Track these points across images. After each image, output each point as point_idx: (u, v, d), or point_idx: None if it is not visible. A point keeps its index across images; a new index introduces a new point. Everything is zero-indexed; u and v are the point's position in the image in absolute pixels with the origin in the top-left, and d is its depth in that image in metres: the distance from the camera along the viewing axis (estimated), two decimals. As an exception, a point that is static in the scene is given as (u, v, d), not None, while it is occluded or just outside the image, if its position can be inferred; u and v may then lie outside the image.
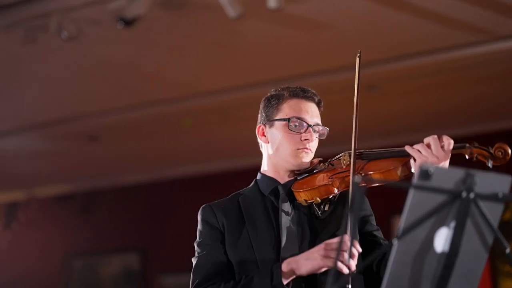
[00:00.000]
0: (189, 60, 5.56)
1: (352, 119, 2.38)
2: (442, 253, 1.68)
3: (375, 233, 2.45)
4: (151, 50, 5.42)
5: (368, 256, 2.32)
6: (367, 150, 2.44)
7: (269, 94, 2.58)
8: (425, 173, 1.60)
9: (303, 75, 5.73)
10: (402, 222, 1.64)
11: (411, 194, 1.63)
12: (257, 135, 2.57)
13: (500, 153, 2.18)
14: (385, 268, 2.15)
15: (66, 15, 4.85)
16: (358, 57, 2.50)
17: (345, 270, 2.12)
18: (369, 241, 2.42)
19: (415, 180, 1.63)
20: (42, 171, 7.87)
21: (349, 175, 2.31)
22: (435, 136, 2.26)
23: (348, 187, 2.33)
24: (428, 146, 2.25)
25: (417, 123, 6.51)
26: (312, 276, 2.27)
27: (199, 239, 2.47)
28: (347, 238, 2.12)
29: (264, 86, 5.78)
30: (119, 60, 5.56)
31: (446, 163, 2.24)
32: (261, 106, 2.57)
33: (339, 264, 2.11)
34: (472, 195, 1.65)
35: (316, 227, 2.39)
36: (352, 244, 2.16)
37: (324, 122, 2.51)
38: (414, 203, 1.63)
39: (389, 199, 4.45)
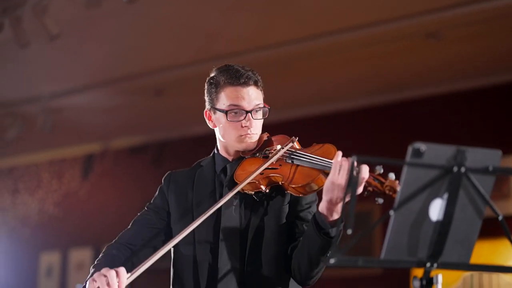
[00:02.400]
0: (250, 15, 5.74)
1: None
2: (437, 222, 1.85)
3: (301, 214, 2.58)
4: (212, 7, 5.64)
5: (289, 241, 2.54)
6: (297, 153, 2.53)
7: (210, 76, 2.67)
8: (417, 152, 1.77)
9: (360, 26, 5.81)
10: (397, 195, 1.82)
11: (405, 170, 1.80)
12: (205, 118, 2.69)
13: (389, 191, 2.22)
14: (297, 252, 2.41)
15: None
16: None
17: None
18: (293, 223, 2.57)
19: (407, 158, 1.80)
20: (115, 124, 8.20)
21: (275, 175, 2.49)
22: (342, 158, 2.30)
23: (272, 184, 2.51)
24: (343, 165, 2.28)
25: (478, 69, 6.52)
26: None
27: (150, 203, 2.72)
28: (121, 271, 2.33)
29: (325, 38, 5.97)
30: (182, 19, 5.79)
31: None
32: (205, 87, 2.68)
33: None
34: (463, 170, 1.81)
35: (254, 209, 2.56)
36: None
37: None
38: (408, 179, 1.80)
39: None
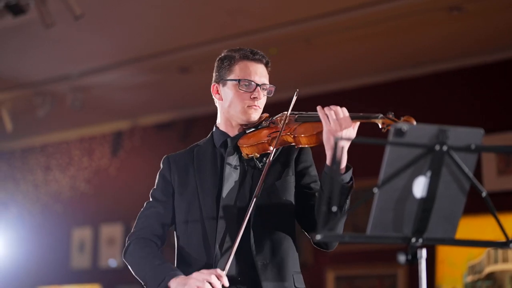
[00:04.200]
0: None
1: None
2: (421, 199, 1.91)
3: (312, 185, 2.72)
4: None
5: (303, 208, 2.66)
6: (301, 113, 2.70)
7: (222, 55, 2.86)
8: (399, 131, 1.83)
9: (380, 1, 5.82)
10: (381, 174, 1.89)
11: (387, 150, 1.87)
12: (211, 93, 2.86)
13: None
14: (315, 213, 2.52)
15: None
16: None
17: None
18: (305, 193, 2.70)
19: (390, 137, 1.86)
20: (142, 101, 8.29)
21: (283, 135, 2.62)
22: (333, 108, 2.50)
23: (281, 145, 2.65)
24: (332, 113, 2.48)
25: (500, 43, 6.49)
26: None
27: (154, 189, 2.86)
28: (219, 271, 2.46)
29: (347, 13, 5.98)
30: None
31: (349, 130, 2.47)
32: (215, 66, 2.87)
33: None
34: (445, 148, 1.87)
35: (255, 177, 2.67)
36: (217, 276, 2.46)
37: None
38: (391, 158, 1.87)
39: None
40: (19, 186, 9.65)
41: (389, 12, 5.88)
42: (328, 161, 2.51)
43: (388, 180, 1.86)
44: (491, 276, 6.18)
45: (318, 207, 2.59)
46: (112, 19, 6.29)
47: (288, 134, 2.63)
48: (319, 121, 2.55)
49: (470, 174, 1.90)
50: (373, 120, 2.47)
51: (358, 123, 2.53)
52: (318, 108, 2.52)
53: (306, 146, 2.63)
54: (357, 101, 7.25)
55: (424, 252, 1.95)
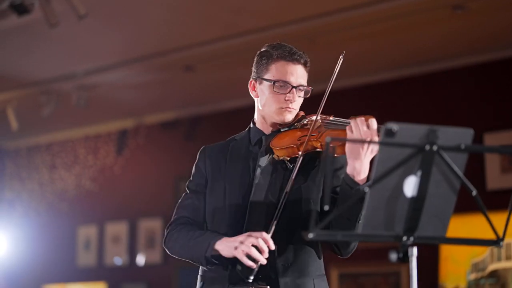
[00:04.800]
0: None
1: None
2: (412, 198, 1.94)
3: (337, 189, 2.67)
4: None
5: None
6: (330, 119, 2.70)
7: (261, 50, 2.82)
8: (389, 132, 1.86)
9: (383, -1, 5.84)
10: (372, 173, 1.91)
11: (379, 149, 1.89)
12: (248, 88, 2.84)
13: None
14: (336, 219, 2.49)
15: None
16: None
17: (249, 264, 2.46)
18: (331, 197, 2.66)
19: (380, 137, 1.88)
20: (147, 100, 8.32)
21: (312, 140, 2.61)
22: (361, 119, 2.49)
23: (308, 150, 2.64)
24: (359, 124, 2.48)
25: (503, 41, 6.50)
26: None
27: (190, 180, 2.86)
28: (264, 235, 2.46)
29: (350, 11, 5.99)
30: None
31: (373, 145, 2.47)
32: (254, 60, 2.83)
33: (245, 259, 2.45)
34: (435, 148, 1.89)
35: (285, 178, 2.67)
36: (263, 239, 2.47)
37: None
38: (382, 157, 1.89)
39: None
40: (25, 185, 9.71)
41: (393, 11, 5.89)
42: (349, 170, 2.52)
43: (379, 180, 1.89)
44: (494, 273, 6.19)
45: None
46: (117, 18, 6.32)
47: (316, 140, 2.63)
48: (343, 129, 2.58)
49: (460, 173, 1.93)
50: None
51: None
52: (352, 120, 2.51)
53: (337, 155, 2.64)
54: (361, 100, 7.28)
55: (415, 250, 1.97)
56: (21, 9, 5.66)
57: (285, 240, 2.64)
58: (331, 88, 2.63)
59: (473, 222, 5.20)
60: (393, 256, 1.96)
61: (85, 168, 9.28)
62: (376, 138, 2.43)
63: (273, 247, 2.50)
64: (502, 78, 6.62)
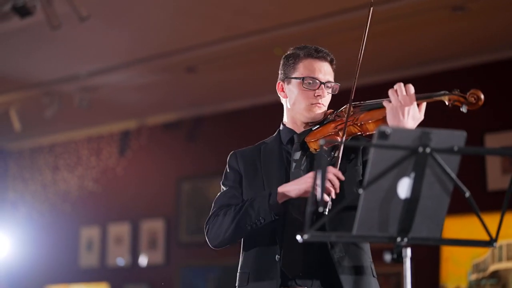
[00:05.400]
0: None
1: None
2: (405, 199, 1.96)
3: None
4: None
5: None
6: (362, 102, 2.74)
7: (287, 53, 2.86)
8: (382, 134, 1.88)
9: (384, 1, 5.84)
10: (366, 175, 1.93)
11: (372, 151, 1.92)
12: (277, 91, 2.88)
13: (473, 99, 2.40)
14: None
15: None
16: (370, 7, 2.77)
17: (319, 196, 2.34)
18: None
19: (374, 139, 1.91)
20: (149, 101, 8.34)
21: (349, 125, 2.63)
22: (400, 83, 2.53)
23: (348, 136, 2.65)
24: (398, 90, 2.52)
25: (503, 42, 6.51)
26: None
27: (224, 179, 2.87)
28: (331, 168, 2.46)
29: (350, 12, 6.01)
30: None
31: (412, 107, 2.51)
32: (280, 64, 2.87)
33: (318, 190, 2.31)
34: (428, 150, 1.91)
35: None
36: (334, 173, 2.47)
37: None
38: (375, 159, 1.92)
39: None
40: (27, 186, 9.73)
41: (393, 12, 5.91)
42: None
43: (373, 181, 1.91)
44: (495, 274, 6.19)
45: None
46: (119, 20, 6.35)
47: (354, 124, 2.65)
48: (383, 107, 2.58)
49: (453, 175, 1.95)
50: (438, 98, 2.57)
51: (424, 104, 2.59)
52: (390, 90, 2.54)
53: (374, 132, 2.63)
54: (361, 101, 7.28)
55: (409, 251, 1.99)
56: (23, 11, 5.69)
57: (334, 231, 2.61)
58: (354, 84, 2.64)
59: (473, 223, 5.20)
60: (388, 257, 1.98)
61: (88, 169, 9.30)
62: (415, 103, 2.49)
63: (343, 178, 2.51)
64: (503, 78, 6.63)
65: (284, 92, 2.86)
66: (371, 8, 2.77)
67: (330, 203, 2.47)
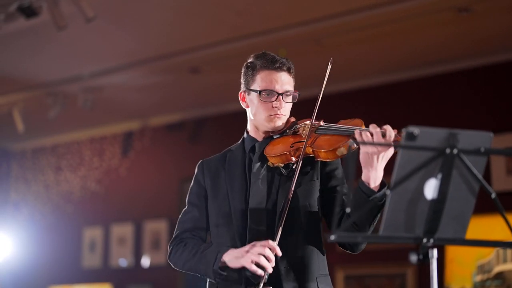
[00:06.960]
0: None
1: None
2: (432, 200, 1.96)
3: (338, 188, 2.78)
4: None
5: (330, 210, 2.74)
6: (321, 124, 2.76)
7: (247, 62, 2.90)
8: (410, 135, 1.88)
9: (390, 2, 5.85)
10: (393, 176, 1.93)
11: (400, 153, 1.92)
12: (239, 100, 2.92)
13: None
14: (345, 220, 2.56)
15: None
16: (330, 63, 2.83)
17: (259, 272, 2.54)
18: (332, 196, 2.76)
19: (402, 141, 1.91)
20: (153, 102, 8.34)
21: (306, 146, 2.68)
22: (377, 129, 2.50)
23: (304, 155, 2.69)
24: (372, 135, 2.51)
25: (509, 43, 6.52)
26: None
27: (189, 195, 2.95)
28: (268, 243, 2.54)
29: (356, 13, 6.01)
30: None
31: (387, 153, 2.51)
32: (242, 73, 2.91)
33: (253, 267, 2.53)
34: (455, 151, 1.92)
35: (280, 183, 2.76)
36: (270, 247, 2.56)
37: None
38: (403, 160, 1.92)
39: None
40: (30, 187, 9.73)
41: (398, 13, 5.92)
42: (364, 178, 2.55)
43: (400, 182, 1.91)
44: (500, 275, 6.20)
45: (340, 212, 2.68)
46: (123, 21, 6.34)
47: (311, 145, 2.69)
48: (340, 134, 2.62)
49: (480, 177, 1.95)
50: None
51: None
52: (356, 132, 2.55)
53: (325, 160, 2.69)
54: (366, 101, 7.30)
55: (435, 252, 2.00)
56: (29, 12, 5.69)
57: (287, 244, 2.70)
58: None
59: (474, 224, 5.21)
60: (413, 258, 1.98)
61: (91, 170, 9.30)
62: (391, 149, 2.48)
63: (280, 253, 2.58)
64: (508, 80, 6.64)
65: (245, 102, 2.91)
66: (330, 65, 2.85)
67: (266, 277, 2.57)
